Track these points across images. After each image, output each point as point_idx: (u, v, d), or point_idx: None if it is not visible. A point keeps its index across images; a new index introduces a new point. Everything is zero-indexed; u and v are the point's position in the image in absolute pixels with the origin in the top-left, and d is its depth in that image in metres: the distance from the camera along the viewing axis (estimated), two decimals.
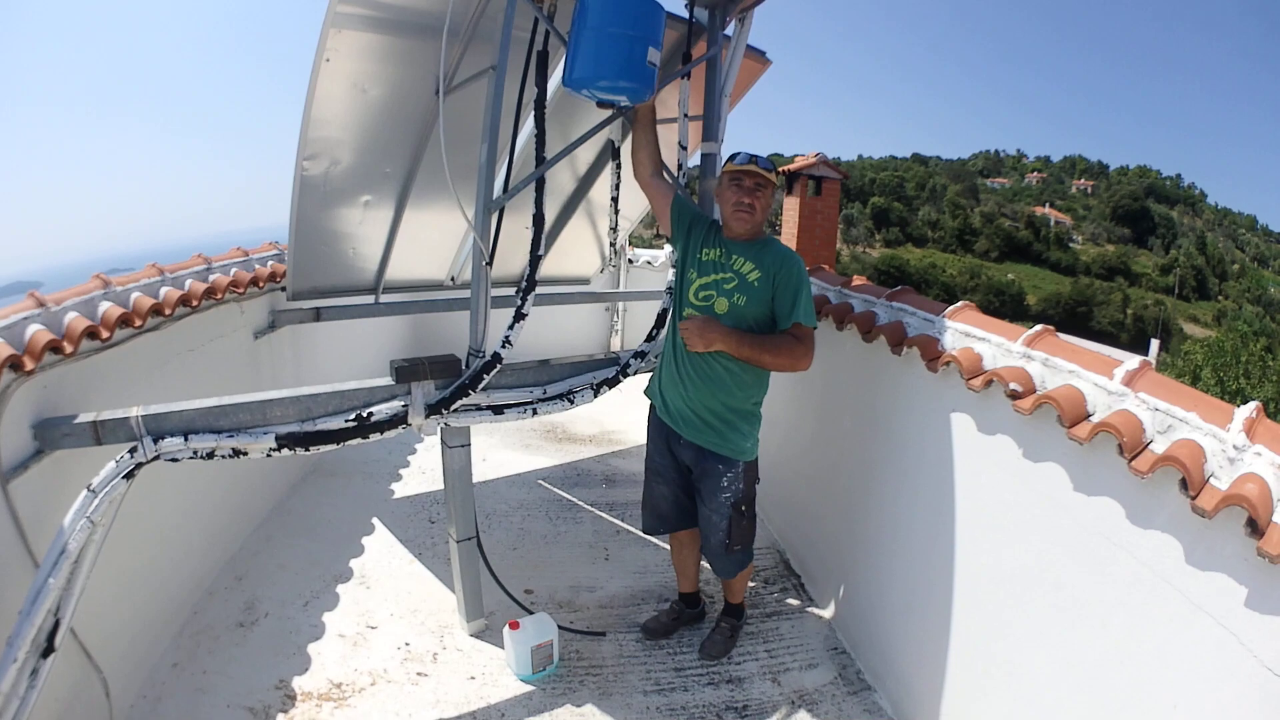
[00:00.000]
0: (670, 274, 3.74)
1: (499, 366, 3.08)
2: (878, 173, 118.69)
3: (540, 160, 3.04)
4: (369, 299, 4.87)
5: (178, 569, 3.52)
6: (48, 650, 2.26)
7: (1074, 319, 74.54)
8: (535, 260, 3.09)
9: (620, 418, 6.87)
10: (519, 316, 3.09)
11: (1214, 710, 1.88)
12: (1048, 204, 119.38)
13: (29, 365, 2.41)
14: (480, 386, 3.06)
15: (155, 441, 2.54)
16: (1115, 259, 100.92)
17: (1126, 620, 2.13)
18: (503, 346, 3.07)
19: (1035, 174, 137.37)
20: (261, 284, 4.25)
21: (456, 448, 3.27)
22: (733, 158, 2.99)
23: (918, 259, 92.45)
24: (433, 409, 3.00)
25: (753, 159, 2.93)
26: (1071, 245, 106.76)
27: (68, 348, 2.60)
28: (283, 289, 4.40)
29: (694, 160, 3.75)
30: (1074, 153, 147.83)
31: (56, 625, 2.28)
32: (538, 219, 3.07)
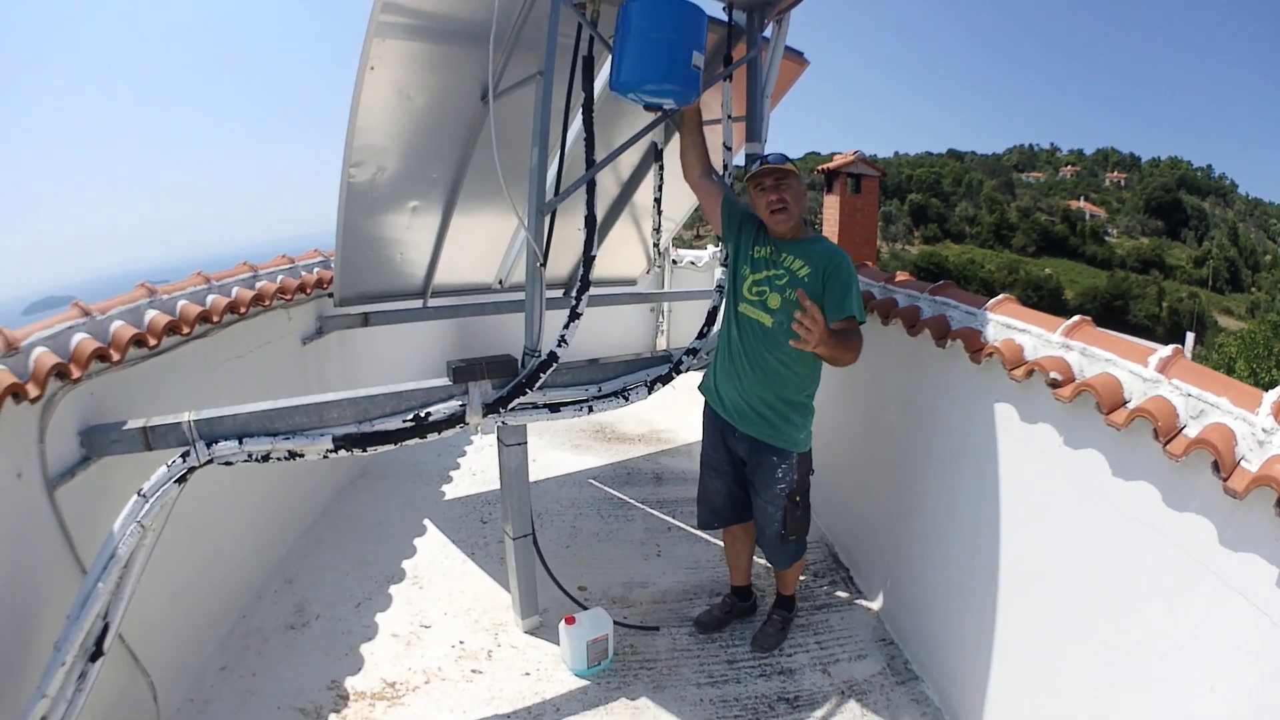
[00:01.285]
0: (719, 273, 3.78)
1: (555, 365, 3.12)
2: (914, 169, 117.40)
3: (590, 163, 3.08)
4: (417, 303, 4.94)
5: (226, 572, 3.56)
6: (96, 654, 2.28)
7: (1110, 313, 73.42)
8: (589, 260, 3.14)
9: (668, 417, 6.90)
10: (574, 315, 3.13)
11: (1248, 690, 1.91)
12: (1082, 197, 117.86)
13: (75, 373, 2.44)
14: (537, 385, 3.11)
15: (208, 446, 2.57)
16: (1150, 252, 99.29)
17: (1163, 603, 2.17)
18: (559, 345, 3.11)
19: (1069, 167, 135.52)
20: (309, 290, 4.32)
21: (513, 446, 3.32)
22: (746, 169, 3.07)
23: (956, 255, 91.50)
24: (490, 408, 3.05)
25: (762, 159, 2.99)
26: (1107, 239, 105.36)
27: (114, 355, 2.63)
28: (329, 295, 4.46)
29: (739, 159, 3.78)
30: (1106, 145, 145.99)
31: (105, 629, 2.30)
32: (590, 220, 3.11)
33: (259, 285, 3.84)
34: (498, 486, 5.13)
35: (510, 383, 3.10)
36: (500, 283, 5.50)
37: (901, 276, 4.00)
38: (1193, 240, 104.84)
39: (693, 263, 8.37)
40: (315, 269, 4.58)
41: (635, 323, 8.67)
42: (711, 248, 8.28)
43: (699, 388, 3.44)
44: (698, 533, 4.68)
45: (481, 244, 5.00)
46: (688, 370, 3.67)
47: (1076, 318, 2.75)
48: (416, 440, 2.95)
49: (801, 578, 4.16)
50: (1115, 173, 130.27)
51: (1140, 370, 2.31)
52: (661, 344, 8.61)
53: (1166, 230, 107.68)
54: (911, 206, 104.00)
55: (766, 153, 3.02)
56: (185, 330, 3.07)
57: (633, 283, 6.87)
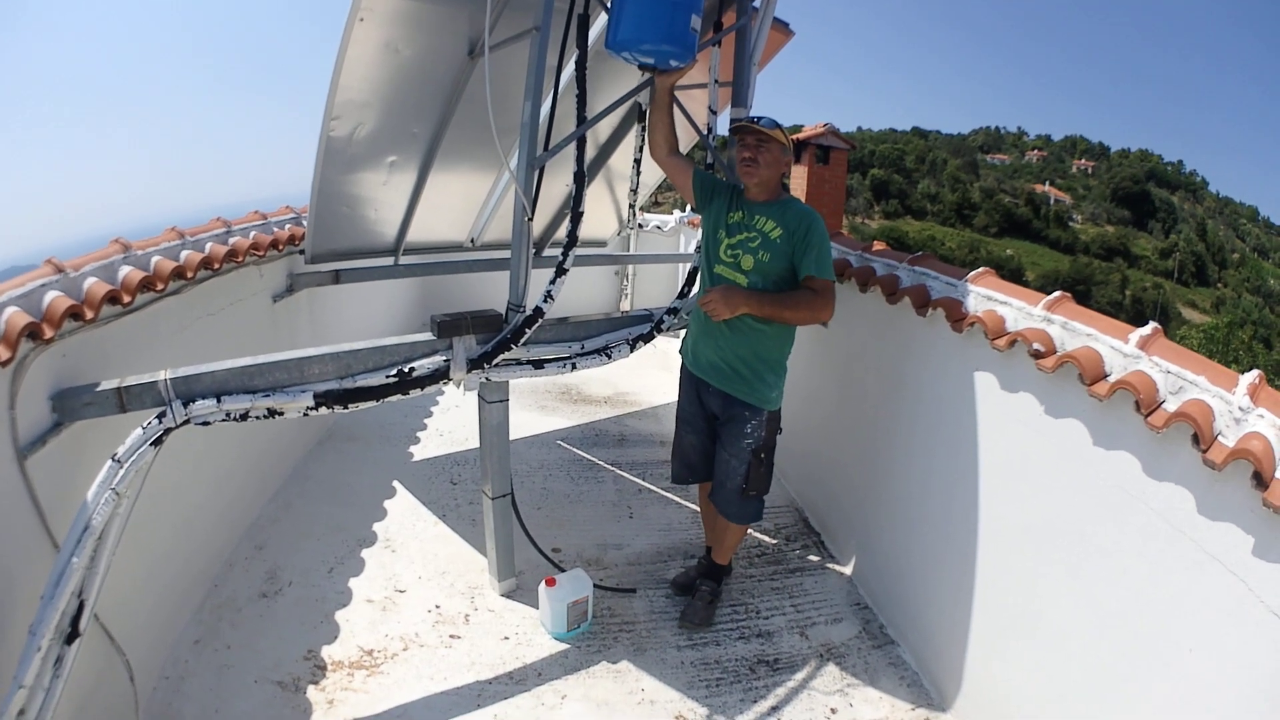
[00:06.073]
0: (694, 235, 3.80)
1: (541, 320, 3.09)
2: (877, 145, 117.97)
3: (581, 119, 3.04)
4: (388, 261, 4.88)
5: (198, 540, 3.45)
6: (72, 635, 2.16)
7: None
8: (577, 216, 3.10)
9: (633, 379, 6.94)
10: (560, 271, 3.10)
11: (1226, 653, 1.99)
12: (1048, 182, 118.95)
13: (48, 333, 2.30)
14: (522, 341, 3.07)
15: (185, 405, 2.46)
16: (1115, 240, 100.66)
17: (1144, 568, 2.25)
18: (545, 301, 3.07)
19: (1035, 152, 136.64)
20: (281, 247, 4.22)
21: (495, 403, 3.28)
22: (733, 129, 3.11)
23: (917, 231, 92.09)
24: (474, 364, 3.01)
25: (753, 120, 3.01)
26: (1071, 224, 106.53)
27: (88, 313, 2.49)
28: (300, 252, 4.38)
29: (724, 128, 3.80)
30: (1074, 132, 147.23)
31: (80, 608, 2.18)
32: (579, 176, 3.08)
33: (232, 241, 3.73)
34: (466, 447, 5.15)
35: (495, 338, 3.07)
36: (472, 241, 5.45)
37: (878, 246, 4.03)
38: (1159, 232, 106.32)
39: (658, 226, 8.38)
40: (287, 225, 4.48)
41: (600, 285, 8.68)
42: (678, 212, 8.29)
43: (679, 351, 3.47)
44: (669, 495, 4.70)
45: (455, 202, 4.95)
46: (669, 330, 3.67)
47: (1057, 293, 2.82)
48: (399, 396, 2.90)
49: (773, 541, 4.24)
50: (1083, 160, 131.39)
51: (1121, 346, 2.40)
52: (625, 306, 8.60)
53: (1133, 221, 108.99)
54: (873, 181, 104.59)
55: (760, 116, 3.02)
56: (159, 287, 2.94)
57: (603, 244, 6.92)
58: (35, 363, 2.31)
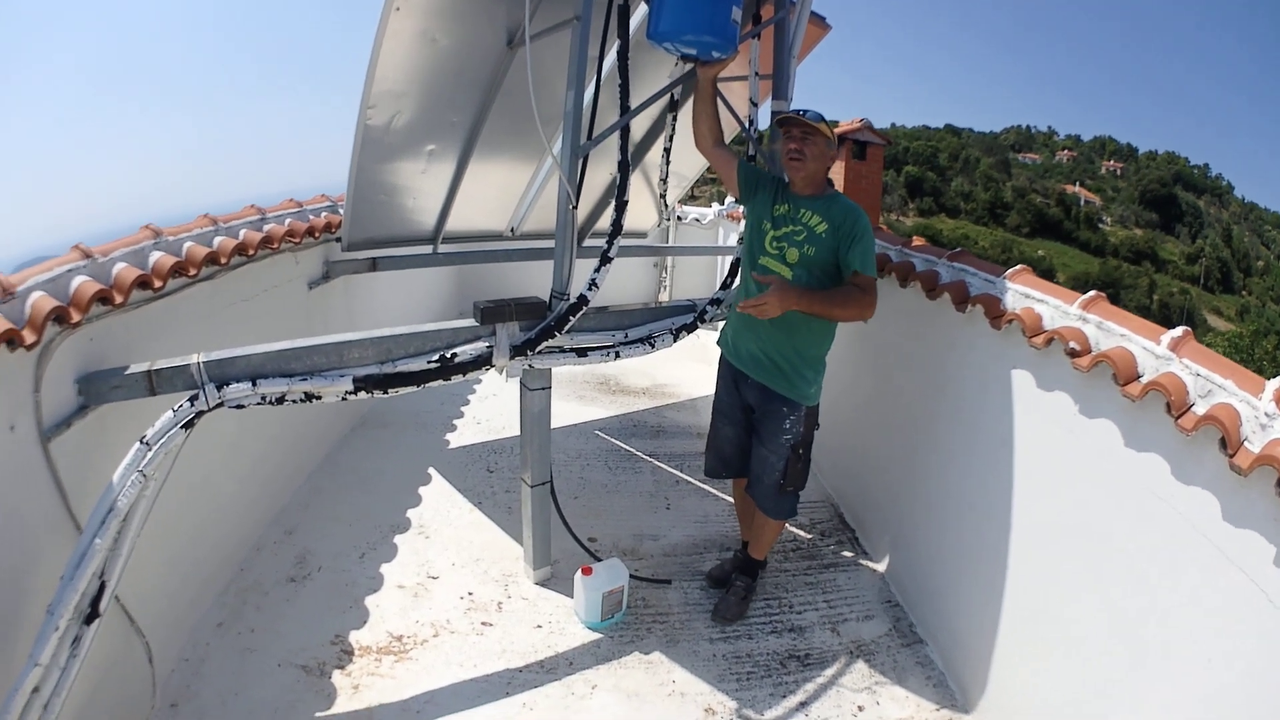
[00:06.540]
0: (733, 229, 3.77)
1: (585, 308, 3.08)
2: (911, 141, 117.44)
3: (625, 109, 3.04)
4: (427, 249, 4.89)
5: (225, 524, 3.46)
6: (91, 616, 2.16)
7: None
8: (621, 205, 3.10)
9: (671, 371, 6.94)
10: (605, 260, 3.09)
11: (1245, 663, 1.97)
12: (1078, 183, 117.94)
13: (75, 317, 2.31)
14: (566, 328, 3.07)
15: (219, 388, 2.45)
16: (1143, 243, 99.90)
17: (1166, 572, 2.23)
18: (589, 289, 3.07)
19: (1065, 152, 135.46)
20: (317, 234, 4.23)
21: (537, 390, 3.29)
22: (773, 121, 3.12)
23: (950, 229, 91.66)
24: (518, 350, 3.02)
25: (799, 112, 2.98)
26: (1101, 226, 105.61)
27: (117, 298, 2.49)
28: (337, 240, 4.37)
29: (765, 121, 3.79)
30: (1103, 133, 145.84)
31: (101, 589, 2.18)
32: (623, 165, 3.08)
33: (266, 228, 3.73)
34: (504, 435, 5.18)
35: (539, 325, 3.07)
36: (512, 231, 5.44)
37: (918, 241, 4.01)
38: (1186, 236, 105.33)
39: (697, 219, 8.39)
40: (323, 213, 4.49)
41: (639, 277, 8.72)
42: (716, 205, 8.29)
43: (717, 342, 3.46)
44: (706, 487, 4.69)
45: (494, 191, 4.94)
46: (711, 320, 3.65)
47: (1092, 292, 2.80)
48: (440, 382, 2.90)
49: (808, 536, 4.22)
50: (1112, 161, 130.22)
51: (1153, 347, 2.38)
52: (664, 298, 8.62)
53: (1160, 224, 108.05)
54: (907, 178, 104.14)
55: (805, 109, 3.00)
56: (191, 272, 2.95)
57: (643, 236, 6.92)
58: (61, 346, 2.33)
